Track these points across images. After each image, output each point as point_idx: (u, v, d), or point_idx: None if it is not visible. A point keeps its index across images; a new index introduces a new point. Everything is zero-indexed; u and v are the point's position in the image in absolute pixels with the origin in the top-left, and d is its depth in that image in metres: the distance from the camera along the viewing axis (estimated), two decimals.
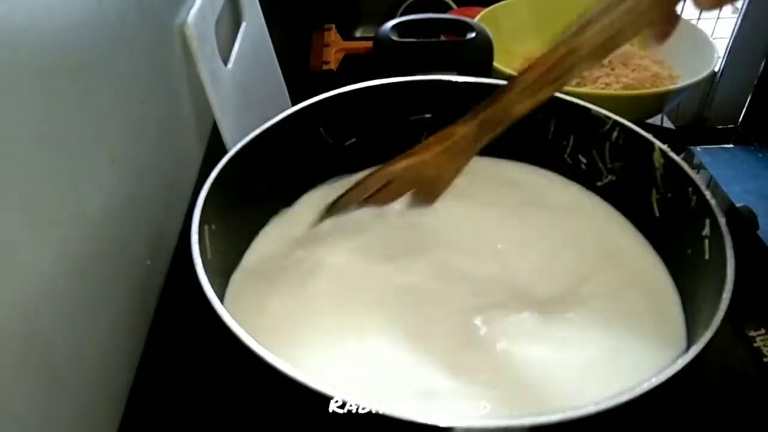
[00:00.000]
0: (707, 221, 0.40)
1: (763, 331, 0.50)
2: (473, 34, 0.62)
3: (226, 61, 0.52)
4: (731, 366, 0.48)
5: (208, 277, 0.34)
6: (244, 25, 0.59)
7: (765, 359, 0.48)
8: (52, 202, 0.31)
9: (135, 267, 0.40)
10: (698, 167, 0.72)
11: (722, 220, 0.39)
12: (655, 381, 0.30)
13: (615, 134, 0.48)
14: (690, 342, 0.39)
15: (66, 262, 0.32)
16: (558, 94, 0.51)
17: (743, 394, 0.46)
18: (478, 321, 0.41)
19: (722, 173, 0.73)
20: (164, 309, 0.43)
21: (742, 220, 0.63)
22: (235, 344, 0.32)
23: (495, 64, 0.68)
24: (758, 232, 0.62)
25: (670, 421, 0.43)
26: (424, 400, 0.36)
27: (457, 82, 0.52)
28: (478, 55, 0.62)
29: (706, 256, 0.40)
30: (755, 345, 0.49)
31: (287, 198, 0.50)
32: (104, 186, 0.36)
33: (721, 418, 0.44)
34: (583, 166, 0.51)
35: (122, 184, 0.38)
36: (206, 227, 0.39)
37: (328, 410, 0.29)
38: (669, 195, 0.45)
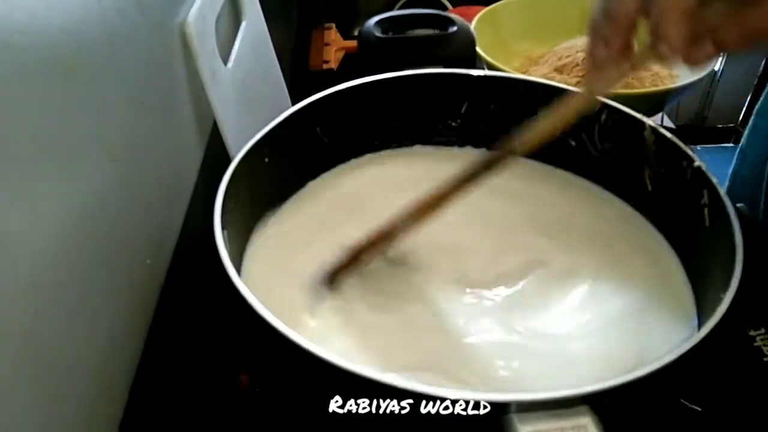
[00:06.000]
0: (705, 191, 0.41)
1: (763, 330, 0.50)
2: (455, 28, 0.63)
3: (226, 61, 0.52)
4: (731, 366, 0.48)
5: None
6: (244, 24, 0.58)
7: (765, 359, 0.48)
8: (52, 201, 0.31)
9: (135, 267, 0.40)
10: None
11: (720, 189, 0.39)
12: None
13: (603, 116, 0.48)
14: (700, 320, 0.40)
15: (66, 262, 0.31)
16: (544, 81, 0.52)
17: (743, 394, 0.46)
18: (484, 308, 0.42)
19: (722, 172, 0.73)
20: (164, 308, 0.43)
21: (742, 220, 0.63)
22: (265, 329, 0.32)
23: (495, 63, 0.68)
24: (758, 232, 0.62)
25: (671, 418, 0.43)
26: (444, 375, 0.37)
27: (443, 74, 0.52)
28: (461, 47, 0.64)
29: (707, 224, 0.41)
30: (755, 345, 0.49)
31: (295, 185, 0.51)
32: (104, 185, 0.36)
33: (721, 418, 0.45)
34: (573, 150, 0.51)
35: (122, 184, 0.38)
36: (225, 232, 0.39)
37: (351, 383, 0.30)
38: (662, 170, 0.45)
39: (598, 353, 0.39)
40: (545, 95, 0.50)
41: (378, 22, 0.63)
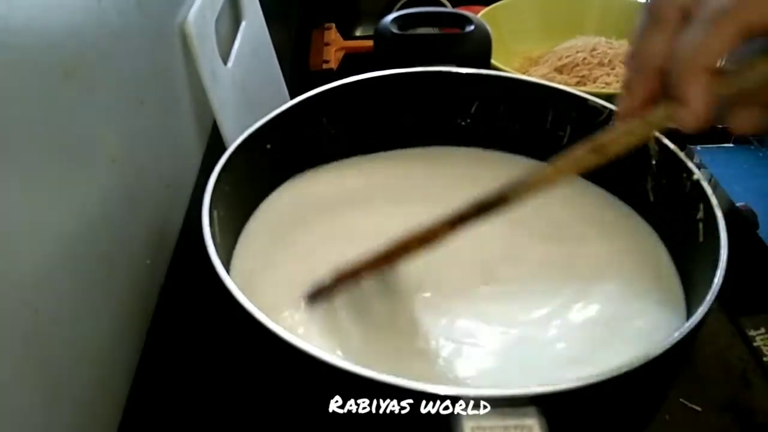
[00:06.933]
0: (701, 205, 0.41)
1: (763, 330, 0.50)
2: (472, 27, 0.63)
3: (226, 60, 0.52)
4: (731, 365, 0.48)
5: (221, 261, 0.35)
6: (244, 23, 0.58)
7: (765, 359, 0.48)
8: (52, 201, 0.31)
9: (135, 266, 0.40)
10: (698, 166, 0.72)
11: (715, 202, 0.39)
12: (652, 353, 0.30)
13: (611, 123, 0.48)
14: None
15: (66, 262, 0.31)
16: (554, 84, 0.52)
17: (743, 394, 0.46)
18: (480, 304, 0.42)
19: (722, 172, 0.73)
20: (164, 308, 0.43)
21: (742, 220, 0.63)
22: (253, 326, 0.31)
23: (495, 62, 0.68)
24: (758, 232, 0.62)
25: (670, 414, 0.43)
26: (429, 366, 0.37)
27: (457, 73, 0.52)
28: (477, 47, 0.64)
29: (701, 239, 0.41)
30: (755, 344, 0.49)
31: (288, 174, 0.51)
32: (104, 185, 0.36)
33: (721, 418, 0.45)
34: None
35: (122, 184, 0.38)
36: (215, 212, 0.39)
37: (351, 383, 0.30)
38: (664, 181, 0.45)
39: (588, 354, 0.39)
40: (555, 98, 0.51)
41: (395, 19, 0.64)
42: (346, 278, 0.39)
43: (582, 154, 0.32)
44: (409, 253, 0.38)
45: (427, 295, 0.42)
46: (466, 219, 0.35)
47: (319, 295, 0.40)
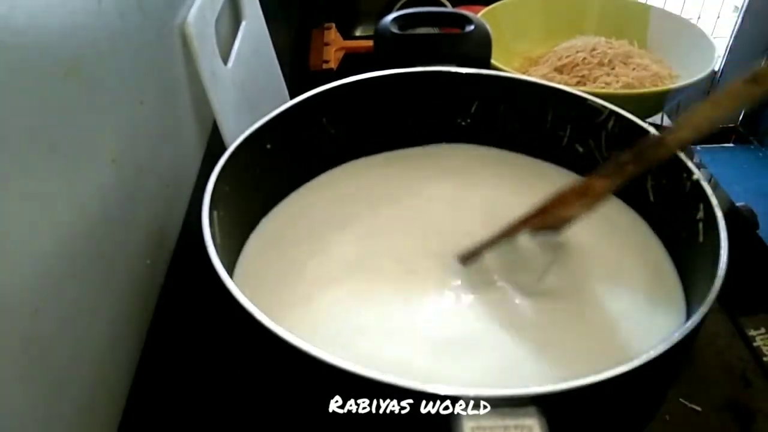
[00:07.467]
0: (701, 205, 0.41)
1: (763, 330, 0.50)
2: (472, 27, 0.63)
3: (226, 60, 0.52)
4: (731, 365, 0.48)
5: (221, 261, 0.35)
6: (244, 23, 0.59)
7: (765, 359, 0.48)
8: (52, 201, 0.31)
9: (135, 266, 0.40)
10: (698, 166, 0.72)
11: (715, 202, 0.39)
12: (652, 353, 0.30)
13: (611, 124, 0.48)
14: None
15: (65, 262, 0.31)
16: (554, 84, 0.52)
17: (743, 394, 0.46)
18: (485, 296, 0.42)
19: (722, 173, 0.73)
20: (164, 308, 0.43)
21: (742, 220, 0.63)
22: (252, 325, 0.31)
23: (495, 62, 0.68)
24: (758, 232, 0.62)
25: (670, 414, 0.43)
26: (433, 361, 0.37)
27: (457, 73, 0.52)
28: (477, 47, 0.64)
29: (701, 239, 0.41)
30: (755, 344, 0.49)
31: (294, 183, 0.51)
32: (104, 185, 0.36)
33: (721, 418, 0.45)
34: (580, 156, 0.51)
35: (122, 184, 0.38)
36: (215, 213, 0.39)
37: (351, 383, 0.30)
38: (663, 181, 0.46)
39: (585, 354, 0.39)
40: (555, 98, 0.51)
41: (395, 19, 0.64)
42: (496, 240, 0.43)
43: (738, 86, 0.31)
44: (561, 208, 0.42)
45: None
46: (624, 167, 0.38)
47: (471, 256, 0.44)
